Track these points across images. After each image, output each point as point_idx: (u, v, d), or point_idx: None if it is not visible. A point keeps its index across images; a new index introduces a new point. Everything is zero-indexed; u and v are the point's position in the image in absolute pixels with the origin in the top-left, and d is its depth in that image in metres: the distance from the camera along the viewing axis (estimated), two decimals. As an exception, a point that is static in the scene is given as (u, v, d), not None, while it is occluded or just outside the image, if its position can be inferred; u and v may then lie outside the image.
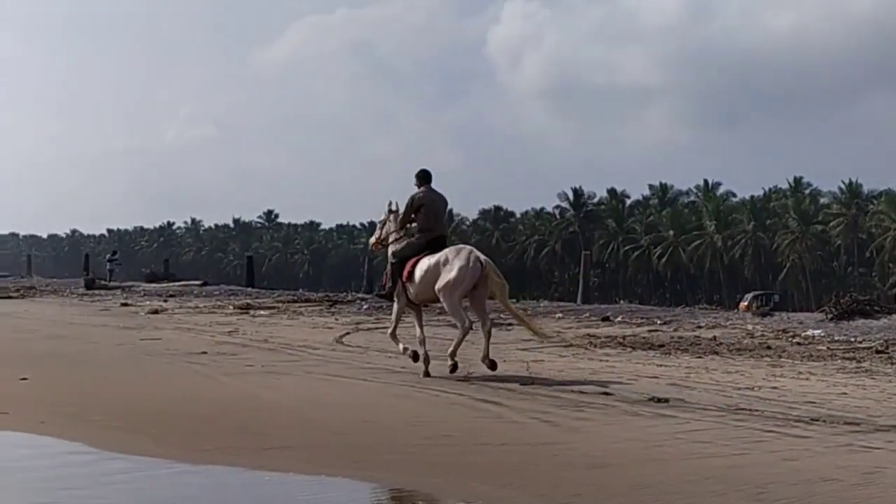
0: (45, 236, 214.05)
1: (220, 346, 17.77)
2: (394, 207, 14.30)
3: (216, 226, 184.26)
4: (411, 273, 13.49)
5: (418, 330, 13.82)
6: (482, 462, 8.19)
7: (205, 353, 16.38)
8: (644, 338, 18.68)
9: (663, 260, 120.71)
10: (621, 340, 18.22)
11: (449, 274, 13.04)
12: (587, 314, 23.98)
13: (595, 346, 17.61)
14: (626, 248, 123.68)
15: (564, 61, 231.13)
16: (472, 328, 13.33)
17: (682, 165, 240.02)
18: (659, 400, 11.09)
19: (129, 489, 7.68)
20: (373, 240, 14.86)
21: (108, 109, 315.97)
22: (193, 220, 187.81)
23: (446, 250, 13.38)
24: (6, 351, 17.23)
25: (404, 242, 13.94)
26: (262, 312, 27.69)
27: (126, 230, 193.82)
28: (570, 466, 7.98)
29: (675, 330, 20.27)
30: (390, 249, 14.14)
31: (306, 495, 7.54)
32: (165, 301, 34.78)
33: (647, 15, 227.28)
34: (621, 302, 38.26)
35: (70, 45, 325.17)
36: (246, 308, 29.47)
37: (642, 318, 22.71)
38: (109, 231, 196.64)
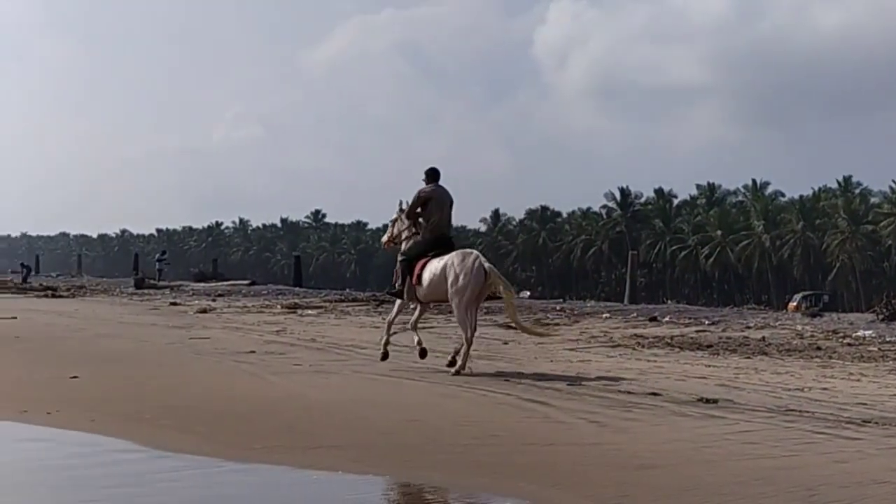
0: (95, 236, 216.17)
1: (268, 345, 17.84)
2: (404, 206, 14.67)
3: (264, 226, 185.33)
4: (420, 275, 13.98)
5: (393, 314, 14.66)
6: (530, 462, 8.17)
7: (253, 352, 16.45)
8: (692, 338, 18.58)
9: (711, 260, 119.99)
10: (669, 341, 18.12)
11: (457, 282, 13.47)
12: (634, 314, 23.90)
13: (643, 346, 17.53)
14: (674, 248, 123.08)
15: (611, 61, 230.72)
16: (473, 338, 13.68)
17: (730, 165, 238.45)
18: (708, 400, 11.01)
19: (178, 487, 7.72)
20: (385, 238, 15.46)
21: (157, 110, 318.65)
22: (241, 220, 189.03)
23: (453, 255, 13.78)
24: (57, 350, 17.39)
25: (412, 241, 14.39)
26: (309, 312, 27.82)
27: (175, 230, 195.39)
28: (619, 467, 7.94)
29: (724, 330, 20.14)
30: (402, 248, 14.64)
31: (354, 494, 7.55)
32: (214, 300, 35.04)
33: (694, 14, 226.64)
34: (669, 302, 38.12)
35: (119, 46, 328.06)
36: (293, 307, 29.62)
37: (690, 318, 22.60)
38: (158, 231, 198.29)
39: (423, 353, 14.29)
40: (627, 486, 7.34)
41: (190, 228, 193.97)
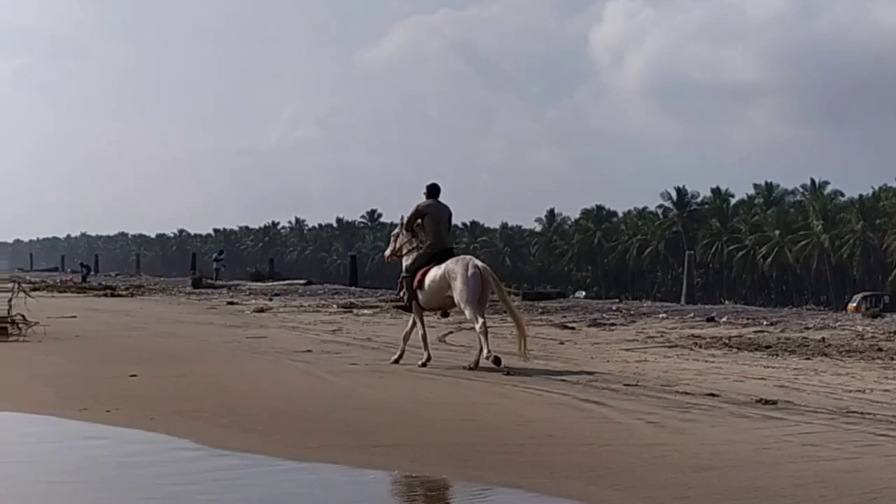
0: (153, 236, 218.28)
1: (325, 344, 17.92)
2: (405, 221, 15.39)
3: (320, 225, 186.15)
4: (421, 282, 14.61)
5: (422, 328, 14.83)
6: (587, 463, 8.12)
7: (309, 351, 16.53)
8: (750, 339, 18.40)
9: (768, 260, 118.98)
10: (727, 341, 17.96)
11: (459, 286, 14.07)
12: (691, 314, 23.74)
13: (700, 346, 17.40)
14: (731, 247, 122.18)
15: (667, 59, 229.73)
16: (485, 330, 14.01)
17: (788, 164, 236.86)
18: (767, 402, 10.90)
19: (237, 486, 7.75)
20: (388, 252, 15.90)
21: (215, 111, 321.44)
22: (297, 220, 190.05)
23: (449, 262, 14.43)
24: (116, 348, 17.57)
25: (414, 255, 15.05)
26: (365, 311, 27.90)
27: (232, 230, 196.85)
28: (677, 468, 7.88)
29: (782, 331, 19.93)
30: (404, 262, 15.25)
31: (411, 493, 7.56)
32: (270, 300, 35.25)
33: (752, 11, 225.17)
34: (726, 302, 37.83)
35: (178, 47, 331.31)
36: (349, 307, 29.74)
37: (748, 318, 22.41)
38: (216, 231, 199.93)
39: (398, 360, 14.88)
40: (685, 488, 7.27)
41: (247, 228, 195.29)
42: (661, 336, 19.14)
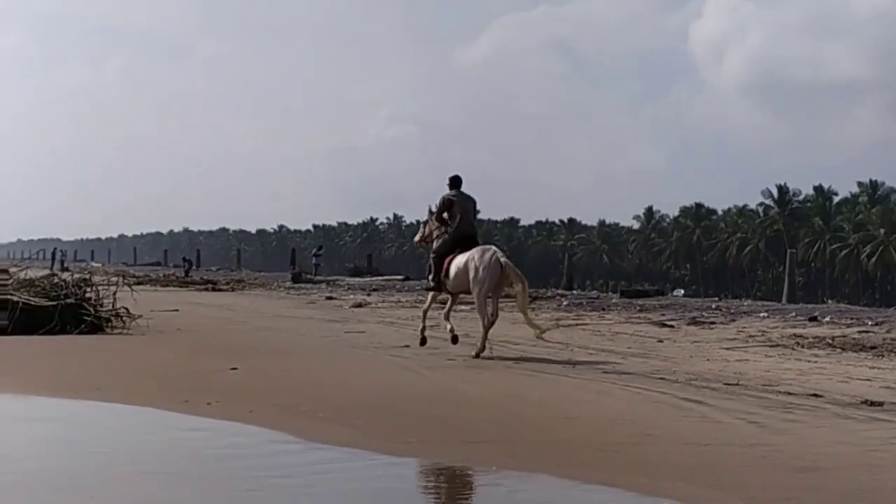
0: (253, 231, 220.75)
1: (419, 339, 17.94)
2: (433, 209, 16.34)
3: (417, 221, 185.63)
4: (448, 269, 15.59)
5: (447, 313, 16.04)
6: (687, 462, 8.02)
7: (407, 346, 16.57)
8: (854, 339, 18.01)
9: (873, 259, 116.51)
10: (830, 341, 17.60)
11: (476, 275, 15.03)
12: (793, 314, 23.31)
13: (802, 346, 17.07)
14: (833, 246, 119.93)
15: (769, 56, 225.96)
16: (493, 323, 15.12)
17: (894, 162, 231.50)
18: (872, 403, 10.66)
19: (334, 479, 7.79)
20: (417, 237, 17.31)
21: (313, 109, 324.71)
22: (395, 216, 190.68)
23: (474, 250, 15.35)
24: (217, 342, 17.80)
25: (441, 240, 15.99)
26: (462, 307, 27.86)
27: (331, 226, 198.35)
28: (779, 469, 7.74)
29: (888, 331, 19.46)
30: (433, 246, 16.24)
31: (508, 490, 7.51)
32: (369, 295, 35.43)
33: (857, 6, 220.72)
34: (829, 302, 37.13)
35: (276, 45, 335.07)
36: (446, 303, 29.70)
37: (852, 318, 21.93)
38: (315, 226, 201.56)
39: (454, 340, 15.59)
40: (789, 489, 7.15)
41: (345, 224, 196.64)
42: (762, 335, 18.82)
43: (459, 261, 15.39)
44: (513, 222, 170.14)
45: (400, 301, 31.52)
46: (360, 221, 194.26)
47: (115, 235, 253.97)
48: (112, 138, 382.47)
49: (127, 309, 20.17)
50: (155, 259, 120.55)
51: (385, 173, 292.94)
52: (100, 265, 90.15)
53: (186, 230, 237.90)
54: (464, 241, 15.67)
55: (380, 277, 49.68)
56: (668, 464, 7.97)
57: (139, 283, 33.50)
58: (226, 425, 10.02)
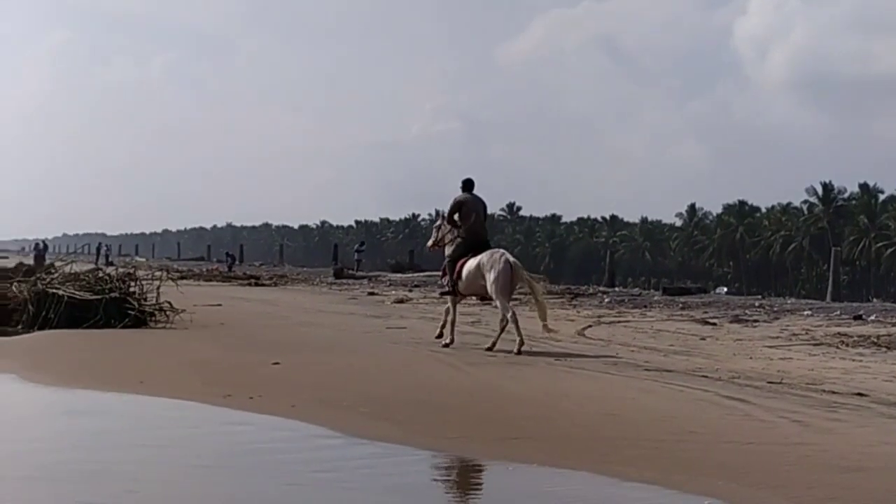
0: (296, 227, 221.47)
1: (464, 336, 17.92)
2: (444, 214, 16.98)
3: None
4: (460, 272, 16.04)
5: (453, 313, 16.35)
6: (729, 461, 7.97)
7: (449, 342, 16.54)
8: (901, 338, 17.85)
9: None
10: (875, 340, 17.45)
11: (491, 277, 15.49)
12: (837, 312, 23.14)
13: (847, 345, 16.94)
14: (879, 244, 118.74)
15: (815, 52, 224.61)
16: (515, 319, 15.32)
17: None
18: (918, 403, 10.57)
19: (375, 474, 7.81)
20: (430, 242, 17.62)
21: (357, 104, 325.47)
22: (437, 213, 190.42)
23: (484, 254, 15.82)
24: (260, 336, 17.88)
25: (455, 244, 16.40)
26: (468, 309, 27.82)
27: (373, 222, 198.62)
28: (823, 469, 7.67)
29: (935, 330, 19.28)
30: (446, 251, 16.67)
31: (549, 487, 7.49)
32: (410, 291, 35.46)
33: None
34: (874, 300, 36.75)
35: (320, 40, 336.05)
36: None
37: (898, 317, 21.72)
38: (357, 222, 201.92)
39: (441, 335, 16.33)
40: (833, 489, 7.08)
41: (387, 220, 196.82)
42: (806, 333, 18.70)
43: (471, 264, 15.89)
44: (555, 219, 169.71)
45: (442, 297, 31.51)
46: (403, 217, 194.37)
47: (159, 230, 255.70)
48: (157, 134, 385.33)
49: (170, 303, 20.30)
50: (198, 254, 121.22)
51: (428, 169, 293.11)
52: (144, 260, 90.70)
53: (230, 225, 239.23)
54: (476, 245, 16.18)
55: (421, 273, 49.67)
56: (711, 462, 7.93)
57: (182, 278, 33.60)
58: (268, 419, 10.06)
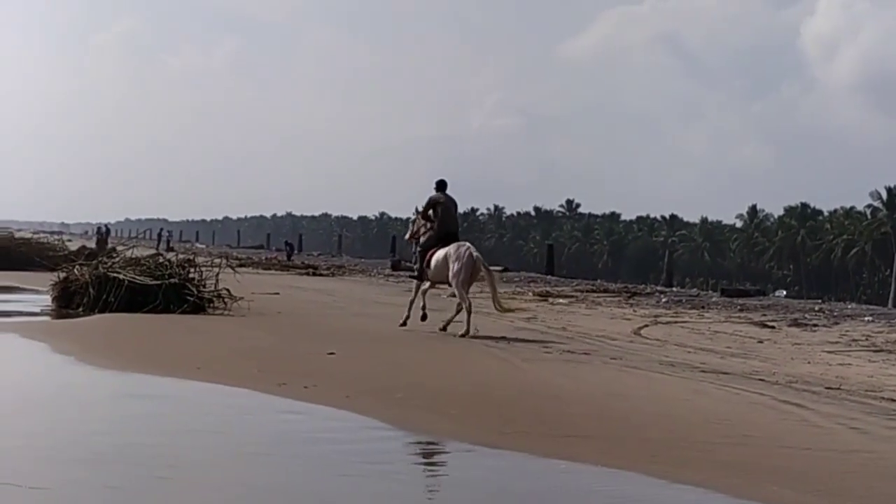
0: (355, 217, 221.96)
1: (519, 331, 17.92)
2: (419, 209, 18.54)
3: (518, 213, 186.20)
4: (429, 261, 17.67)
5: (419, 299, 17.92)
6: (785, 466, 7.87)
7: (504, 338, 16.53)
8: (963, 346, 17.56)
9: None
10: (938, 348, 17.17)
11: (454, 267, 17.08)
12: (899, 319, 22.81)
13: (908, 352, 16.67)
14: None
15: (883, 54, 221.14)
16: (469, 309, 16.85)
17: None
18: (980, 413, 10.38)
19: (426, 468, 7.83)
20: (407, 235, 19.46)
21: (418, 97, 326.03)
22: (496, 207, 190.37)
23: (451, 246, 17.41)
24: (316, 326, 17.96)
25: (427, 236, 18.07)
26: (560, 300, 27.79)
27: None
28: (882, 477, 7.56)
29: None
30: (420, 241, 18.33)
31: (599, 487, 7.44)
32: (466, 285, 35.37)
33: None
34: (937, 308, 36.18)
35: (384, 33, 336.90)
36: (545, 295, 29.66)
37: (963, 325, 21.39)
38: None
39: (423, 317, 17.68)
40: (891, 499, 6.99)
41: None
42: (867, 340, 18.44)
43: (439, 255, 17.47)
44: (614, 217, 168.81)
45: (498, 292, 31.45)
46: (461, 211, 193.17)
47: (219, 217, 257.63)
48: (220, 124, 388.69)
49: (228, 290, 20.45)
50: (258, 242, 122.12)
51: (487, 163, 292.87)
52: (204, 246, 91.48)
53: (289, 214, 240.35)
54: (446, 238, 17.77)
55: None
56: (765, 467, 7.84)
57: (241, 266, 33.88)
58: (321, 409, 10.11)
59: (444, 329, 17.13)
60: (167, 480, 7.27)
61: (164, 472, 7.45)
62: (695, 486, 7.35)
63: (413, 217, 19.15)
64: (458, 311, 17.12)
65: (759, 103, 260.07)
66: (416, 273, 18.53)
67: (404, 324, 17.69)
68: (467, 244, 17.62)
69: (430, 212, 18.14)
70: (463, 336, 16.39)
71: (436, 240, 17.84)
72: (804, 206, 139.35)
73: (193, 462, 7.88)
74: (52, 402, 10.41)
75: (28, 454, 7.79)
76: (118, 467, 7.46)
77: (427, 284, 18.13)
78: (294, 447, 8.52)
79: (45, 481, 7.00)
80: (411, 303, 18.12)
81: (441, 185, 18.26)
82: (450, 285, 17.67)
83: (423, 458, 8.10)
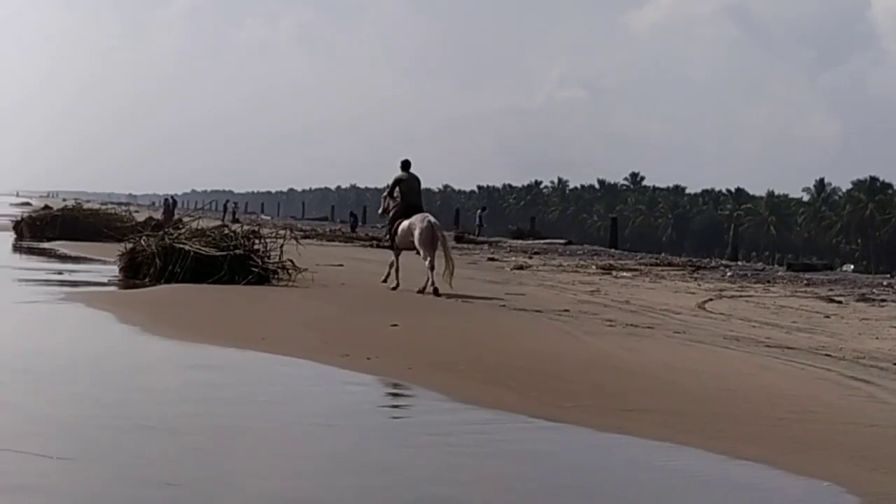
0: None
1: (582, 304, 17.88)
2: (388, 188, 20.92)
3: (582, 186, 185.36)
4: (396, 230, 20.05)
5: (396, 263, 19.89)
6: (850, 443, 7.78)
7: (567, 310, 16.50)
8: None
9: None
10: None
11: (416, 233, 19.25)
12: (970, 294, 22.45)
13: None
14: None
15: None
16: (432, 266, 18.79)
17: None
18: None
19: (488, 440, 7.82)
20: (381, 210, 21.80)
21: (483, 69, 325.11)
22: (560, 180, 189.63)
23: (415, 217, 19.64)
24: (379, 298, 18.01)
25: (394, 209, 20.38)
26: (624, 274, 27.67)
27: (495, 187, 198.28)
28: (950, 456, 7.45)
29: None
30: (390, 215, 20.64)
31: (660, 461, 7.39)
32: (530, 258, 35.45)
33: None
34: None
35: (450, 6, 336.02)
36: (608, 269, 29.56)
37: None
38: (479, 187, 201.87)
39: (396, 287, 19.44)
40: (958, 477, 6.88)
41: (510, 186, 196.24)
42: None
43: (404, 225, 19.73)
44: (678, 190, 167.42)
45: (562, 265, 31.43)
46: (525, 184, 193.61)
47: (284, 189, 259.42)
48: (284, 96, 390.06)
49: (293, 262, 20.56)
50: (322, 214, 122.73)
51: (552, 136, 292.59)
52: (269, 218, 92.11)
53: (354, 187, 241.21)
54: (410, 210, 19.99)
55: (542, 241, 49.57)
56: (830, 443, 7.75)
57: (306, 237, 34.09)
58: (384, 381, 10.17)
59: (422, 291, 18.74)
60: (230, 449, 7.36)
61: (227, 442, 7.55)
62: (757, 462, 7.28)
63: (384, 194, 21.33)
64: (430, 269, 18.85)
65: (826, 75, 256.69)
66: (387, 243, 21.21)
67: (395, 288, 19.43)
68: (427, 215, 19.83)
69: (396, 189, 20.43)
70: (420, 292, 18.66)
71: (401, 213, 20.11)
72: (873, 179, 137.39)
73: (256, 431, 7.95)
74: (117, 373, 10.52)
75: (95, 423, 7.89)
76: (182, 437, 7.55)
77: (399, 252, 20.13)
78: (357, 418, 8.56)
79: (108, 452, 7.09)
80: (396, 270, 19.85)
81: (405, 165, 20.53)
82: (417, 252, 19.40)
83: (484, 430, 8.10)
